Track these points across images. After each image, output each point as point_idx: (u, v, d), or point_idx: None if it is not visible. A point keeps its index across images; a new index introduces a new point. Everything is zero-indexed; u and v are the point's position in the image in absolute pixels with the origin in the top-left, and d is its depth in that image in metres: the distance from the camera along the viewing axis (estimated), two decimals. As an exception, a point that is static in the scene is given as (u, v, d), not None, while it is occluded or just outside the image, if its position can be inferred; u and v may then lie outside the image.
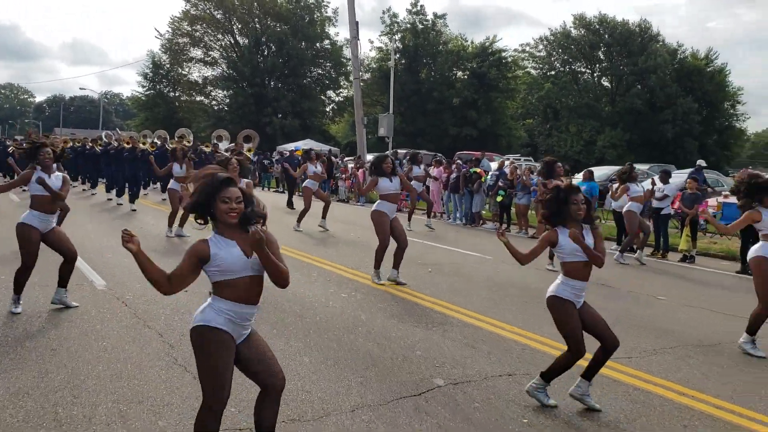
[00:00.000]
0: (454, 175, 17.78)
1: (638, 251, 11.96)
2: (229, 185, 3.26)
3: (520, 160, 31.13)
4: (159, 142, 22.35)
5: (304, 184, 14.78)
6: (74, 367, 5.14)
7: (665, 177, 12.79)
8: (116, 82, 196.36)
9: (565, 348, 4.64)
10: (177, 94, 55.93)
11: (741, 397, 5.11)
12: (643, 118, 50.48)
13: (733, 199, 9.03)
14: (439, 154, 27.77)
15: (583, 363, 4.70)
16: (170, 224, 12.36)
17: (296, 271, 9.48)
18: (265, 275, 3.33)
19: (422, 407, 4.63)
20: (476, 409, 4.65)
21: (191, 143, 22.21)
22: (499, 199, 16.79)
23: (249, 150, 19.64)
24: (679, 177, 17.58)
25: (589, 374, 4.68)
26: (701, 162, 17.74)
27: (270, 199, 21.84)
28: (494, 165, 21.35)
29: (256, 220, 3.30)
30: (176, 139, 21.87)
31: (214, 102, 56.61)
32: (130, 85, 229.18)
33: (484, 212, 17.89)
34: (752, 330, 6.33)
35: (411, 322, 6.89)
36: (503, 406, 4.71)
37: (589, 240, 4.59)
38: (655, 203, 12.42)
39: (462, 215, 17.68)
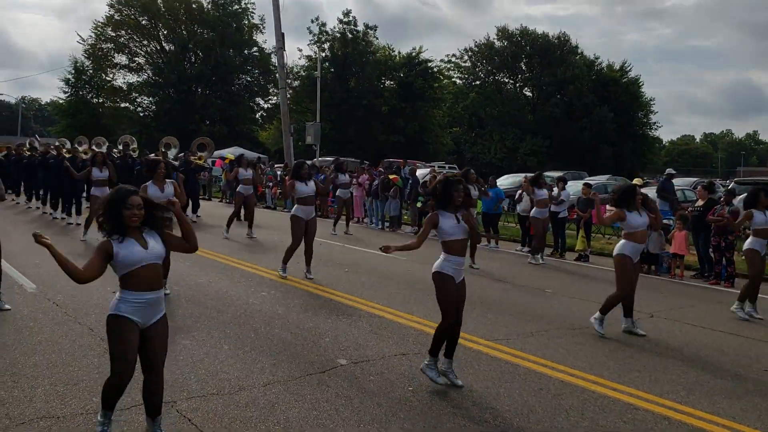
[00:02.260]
0: (376, 182, 18.72)
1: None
2: (132, 195, 3.97)
3: (444, 167, 32.49)
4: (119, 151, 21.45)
5: (237, 189, 15.34)
6: (11, 358, 5.69)
7: (562, 184, 14.05)
8: (34, 86, 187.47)
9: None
10: (101, 101, 54.78)
11: (592, 367, 6.15)
12: (562, 127, 53.09)
13: None
14: (365, 162, 28.62)
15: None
16: (86, 227, 12.80)
17: (220, 273, 10.13)
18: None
19: (325, 381, 5.44)
20: (371, 381, 5.50)
21: (137, 151, 22.07)
22: (418, 204, 17.88)
23: (200, 158, 19.61)
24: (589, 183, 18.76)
25: (448, 352, 5.49)
26: (670, 170, 18.30)
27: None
28: (419, 172, 22.46)
29: (163, 221, 4.12)
30: (120, 147, 21.64)
31: (139, 109, 55.80)
32: (49, 89, 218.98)
33: (405, 217, 18.89)
34: (605, 310, 7.38)
35: (323, 315, 7.69)
36: (394, 377, 5.58)
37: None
38: (553, 207, 13.63)
39: (379, 219, 18.60)
